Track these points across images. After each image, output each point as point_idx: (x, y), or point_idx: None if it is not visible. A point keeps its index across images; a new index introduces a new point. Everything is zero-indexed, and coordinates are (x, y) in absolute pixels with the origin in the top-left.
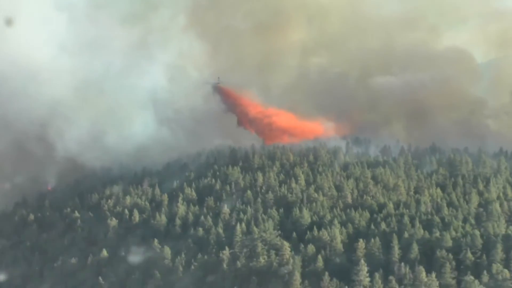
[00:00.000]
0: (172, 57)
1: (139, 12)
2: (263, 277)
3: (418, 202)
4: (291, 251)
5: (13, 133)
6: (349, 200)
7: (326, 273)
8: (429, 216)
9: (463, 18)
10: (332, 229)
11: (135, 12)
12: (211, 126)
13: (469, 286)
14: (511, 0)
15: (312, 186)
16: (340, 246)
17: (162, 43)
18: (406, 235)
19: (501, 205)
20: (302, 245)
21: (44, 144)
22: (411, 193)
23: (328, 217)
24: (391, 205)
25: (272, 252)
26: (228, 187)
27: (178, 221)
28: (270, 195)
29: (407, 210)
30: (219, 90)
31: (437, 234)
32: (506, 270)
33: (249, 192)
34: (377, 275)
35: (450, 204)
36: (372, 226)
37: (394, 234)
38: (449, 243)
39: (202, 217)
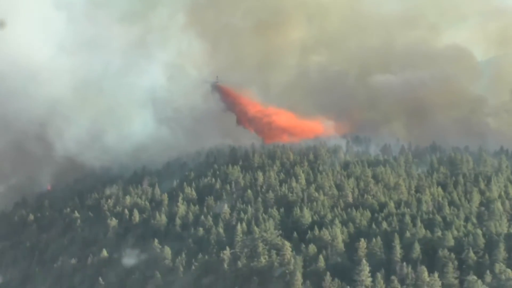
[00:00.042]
0: (171, 56)
1: (138, 11)
2: (264, 277)
3: (419, 201)
4: (292, 251)
5: (12, 132)
6: (350, 199)
7: (328, 273)
8: (431, 215)
9: (463, 16)
10: (333, 228)
11: (134, 11)
12: (211, 125)
13: (472, 286)
14: None
15: (313, 185)
16: (341, 245)
17: (161, 42)
18: (407, 234)
19: (502, 204)
20: (303, 245)
21: (43, 144)
22: (412, 192)
23: (329, 216)
24: (392, 204)
25: (273, 252)
26: (228, 187)
27: (178, 221)
28: (271, 195)
29: (408, 209)
30: (218, 89)
31: (439, 233)
32: (509, 270)
33: (249, 191)
34: (379, 275)
35: (451, 203)
36: (373, 226)
37: (396, 234)
38: (451, 243)
39: (202, 217)
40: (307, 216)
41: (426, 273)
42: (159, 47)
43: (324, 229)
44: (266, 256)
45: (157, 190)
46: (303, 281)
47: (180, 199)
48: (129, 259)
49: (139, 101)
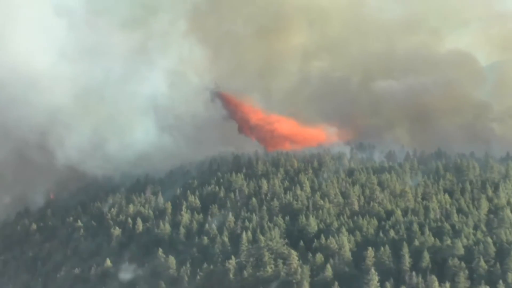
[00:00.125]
0: (172, 62)
1: (138, 18)
2: (270, 287)
3: (426, 208)
4: (298, 260)
5: (13, 141)
6: (356, 207)
7: (336, 283)
8: (439, 223)
9: (465, 21)
10: (340, 237)
11: (134, 18)
12: (213, 133)
13: None
14: None
15: (318, 193)
16: (348, 254)
17: (162, 48)
18: (416, 243)
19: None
20: (310, 254)
21: (44, 153)
22: (419, 199)
23: (335, 224)
24: (399, 212)
25: (280, 261)
26: (232, 195)
27: (182, 230)
28: (276, 203)
29: (416, 217)
30: (219, 96)
31: (448, 241)
32: None
33: (253, 199)
34: (388, 284)
35: (459, 211)
36: (381, 234)
37: (404, 242)
38: (461, 251)
39: (207, 226)
40: (313, 224)
41: (436, 283)
42: (160, 53)
43: (330, 237)
44: (273, 266)
45: (160, 199)
46: None
47: (183, 207)
48: (133, 269)
49: (140, 109)
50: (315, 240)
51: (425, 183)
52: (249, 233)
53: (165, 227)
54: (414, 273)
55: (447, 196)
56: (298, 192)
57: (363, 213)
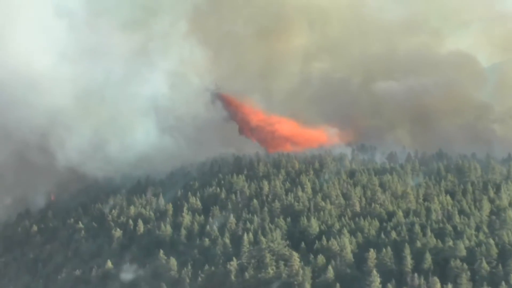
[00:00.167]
0: (173, 64)
1: (139, 19)
2: None
3: (428, 210)
4: (300, 262)
5: (13, 142)
6: (357, 208)
7: (338, 285)
8: (441, 225)
9: (466, 22)
10: (341, 238)
11: (135, 19)
12: (213, 134)
13: None
14: None
15: (319, 194)
16: (350, 256)
17: (163, 49)
18: (418, 244)
19: None
20: (311, 256)
21: (45, 154)
22: (420, 200)
23: (337, 226)
24: (400, 213)
25: (281, 262)
26: (233, 196)
27: (183, 231)
28: (277, 204)
29: (418, 218)
30: (220, 97)
31: (450, 243)
32: None
33: (255, 201)
34: (390, 286)
35: (461, 212)
36: (382, 235)
37: (406, 244)
38: (463, 253)
39: (208, 227)
40: (314, 225)
41: (438, 284)
42: (160, 55)
43: (332, 239)
44: (274, 267)
45: (161, 200)
46: None
47: (185, 209)
48: (134, 270)
49: (141, 110)
50: (317, 242)
51: (426, 184)
52: (251, 234)
53: (166, 228)
54: (416, 274)
55: (448, 197)
56: (300, 193)
57: (365, 214)
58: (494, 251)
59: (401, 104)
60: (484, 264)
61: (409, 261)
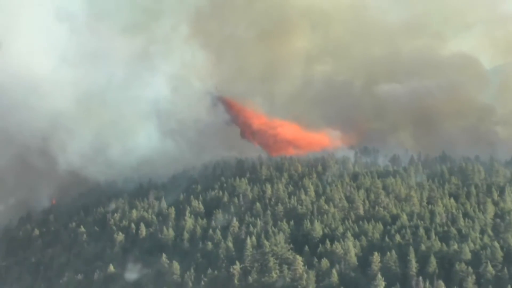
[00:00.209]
0: (174, 67)
1: (140, 22)
2: None
3: (432, 213)
4: (304, 265)
5: (15, 146)
6: (361, 211)
7: None
8: (445, 228)
9: (468, 24)
10: (345, 242)
11: (136, 22)
12: (215, 137)
13: None
14: None
15: (322, 197)
16: (354, 259)
17: (164, 53)
18: (423, 247)
19: None
20: (315, 259)
21: (46, 158)
22: (424, 203)
23: (341, 229)
24: (404, 217)
25: (285, 266)
26: (236, 199)
27: (186, 235)
28: (280, 207)
29: (422, 222)
30: (221, 100)
31: (455, 246)
32: None
33: (258, 204)
34: None
35: (465, 215)
36: (387, 239)
37: (410, 247)
38: (468, 256)
39: (211, 231)
40: (318, 229)
41: None
42: (162, 58)
43: (336, 242)
44: (277, 271)
45: (164, 204)
46: None
47: (187, 212)
48: (136, 274)
49: (143, 113)
50: (320, 245)
51: (430, 187)
52: (254, 238)
53: (169, 232)
54: (421, 278)
55: (452, 200)
56: (303, 196)
57: (368, 217)
58: (499, 254)
59: (404, 107)
60: (490, 268)
61: (413, 265)
